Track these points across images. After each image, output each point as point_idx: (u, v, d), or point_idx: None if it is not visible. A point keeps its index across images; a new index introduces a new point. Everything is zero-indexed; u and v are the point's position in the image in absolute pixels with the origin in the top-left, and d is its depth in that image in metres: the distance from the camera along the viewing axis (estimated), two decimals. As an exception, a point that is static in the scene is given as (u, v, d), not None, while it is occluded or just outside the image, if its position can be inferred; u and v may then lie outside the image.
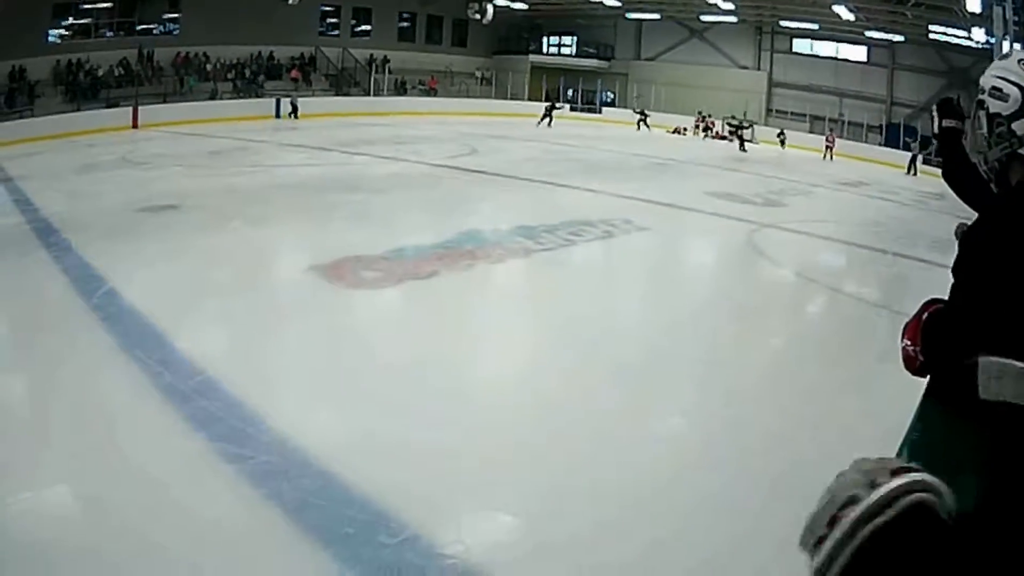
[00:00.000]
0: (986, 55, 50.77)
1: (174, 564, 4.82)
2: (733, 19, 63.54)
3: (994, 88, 3.00)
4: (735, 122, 48.63)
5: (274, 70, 49.62)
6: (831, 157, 48.77)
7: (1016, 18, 40.51)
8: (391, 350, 8.84)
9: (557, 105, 52.21)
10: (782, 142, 51.81)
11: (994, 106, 2.98)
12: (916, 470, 1.40)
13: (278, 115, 39.45)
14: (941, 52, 59.22)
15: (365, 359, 8.57)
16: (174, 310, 9.57)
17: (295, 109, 44.73)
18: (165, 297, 10.01)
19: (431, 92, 56.69)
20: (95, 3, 40.36)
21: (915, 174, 44.84)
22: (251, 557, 4.97)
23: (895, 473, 1.42)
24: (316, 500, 5.62)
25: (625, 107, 63.59)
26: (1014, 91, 2.93)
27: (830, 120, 58.77)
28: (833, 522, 1.45)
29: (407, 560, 5.04)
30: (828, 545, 1.45)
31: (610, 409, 7.46)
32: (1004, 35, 36.01)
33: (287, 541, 5.14)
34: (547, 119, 50.37)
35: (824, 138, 51.52)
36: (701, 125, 58.03)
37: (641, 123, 55.27)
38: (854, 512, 1.40)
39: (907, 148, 50.48)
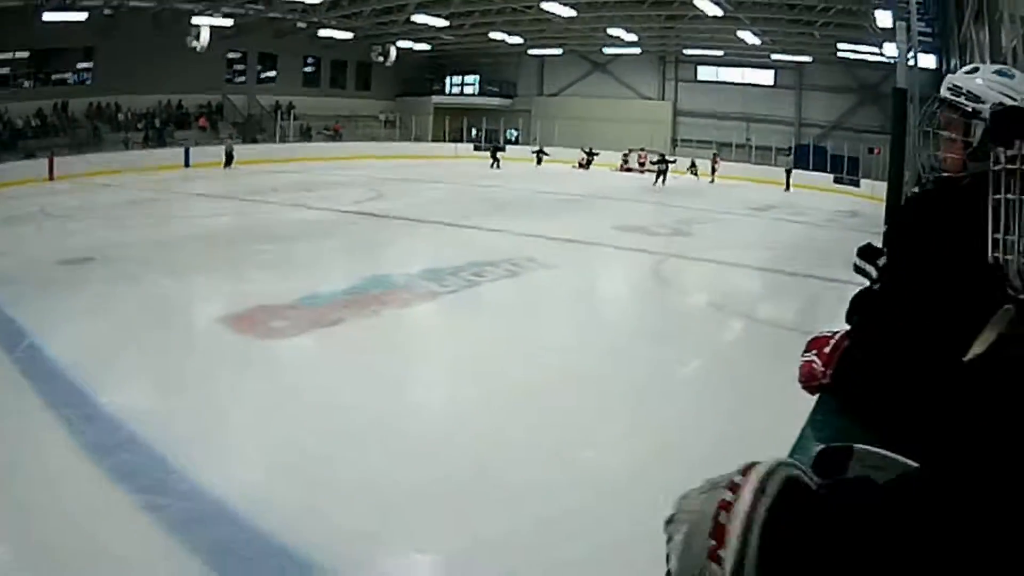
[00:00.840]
0: (894, 70, 51.35)
1: None
2: (636, 50, 63.53)
3: (1002, 103, 2.93)
4: (657, 158, 47.60)
5: (183, 119, 49.36)
6: (713, 180, 49.74)
7: (927, 29, 41.04)
8: (300, 399, 8.87)
9: (499, 146, 53.29)
10: (694, 172, 51.85)
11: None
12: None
13: (187, 164, 39.22)
14: (851, 70, 59.59)
15: (276, 408, 8.59)
16: (94, 363, 9.54)
17: (230, 157, 44.61)
18: (85, 351, 9.99)
19: (336, 136, 56.53)
20: (11, 53, 40.02)
21: (788, 189, 46.34)
22: None
23: (744, 471, 1.51)
24: (235, 547, 5.70)
25: (529, 144, 63.27)
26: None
27: (719, 144, 59.61)
28: (718, 533, 1.51)
29: None
30: (730, 552, 1.40)
31: (531, 444, 7.62)
32: (909, 49, 36.40)
33: None
34: (495, 162, 51.20)
35: (710, 161, 51.92)
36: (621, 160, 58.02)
37: (540, 157, 55.73)
38: (739, 509, 1.46)
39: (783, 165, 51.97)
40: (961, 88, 3.09)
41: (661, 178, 45.39)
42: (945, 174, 3.09)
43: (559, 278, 17.06)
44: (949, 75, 3.25)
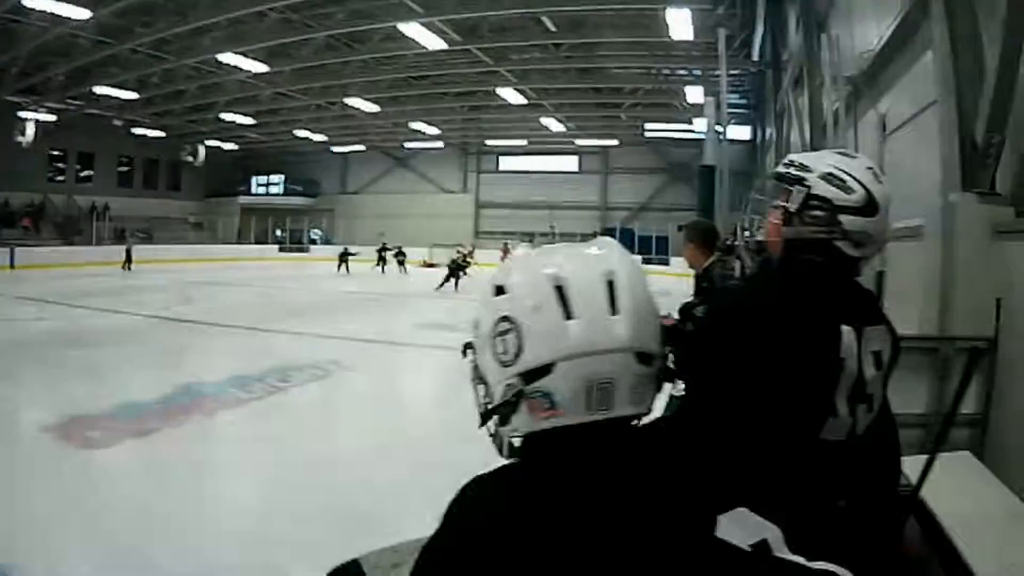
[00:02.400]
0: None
1: None
2: (439, 144, 64.20)
3: (830, 174, 2.95)
4: (458, 256, 40.68)
5: (8, 218, 48.36)
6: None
7: (741, 100, 41.67)
8: (121, 513, 8.91)
9: (351, 251, 51.62)
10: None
11: (822, 189, 2.96)
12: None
13: (12, 265, 38.44)
14: (659, 149, 61.00)
15: (101, 522, 8.61)
16: None
17: (129, 258, 44.38)
18: None
19: (148, 239, 55.78)
20: None
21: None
22: None
23: None
24: None
25: (333, 244, 62.47)
26: (860, 190, 2.91)
27: (522, 234, 59.31)
28: None
29: None
30: None
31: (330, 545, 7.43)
32: (718, 123, 36.80)
33: None
34: (344, 265, 49.81)
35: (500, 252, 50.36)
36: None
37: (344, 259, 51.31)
38: None
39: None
40: (794, 161, 3.13)
41: (453, 280, 38.24)
42: (760, 253, 3.37)
43: (362, 381, 17.43)
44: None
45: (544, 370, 1.78)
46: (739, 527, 1.70)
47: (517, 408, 1.82)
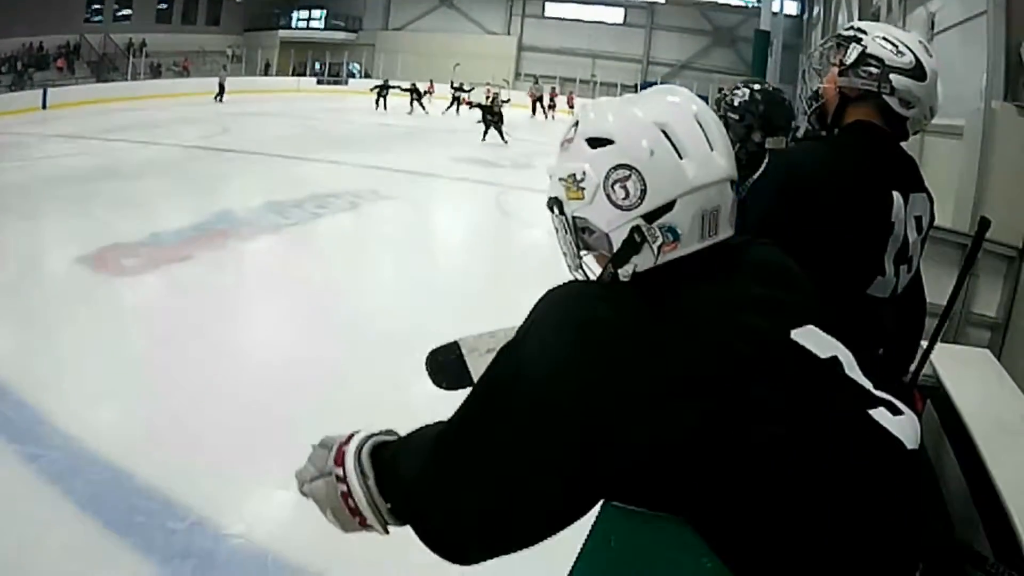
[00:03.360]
0: (755, 13, 51.43)
1: None
2: None
3: (885, 37, 3.13)
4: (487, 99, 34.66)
5: (42, 60, 48.03)
6: (551, 116, 46.54)
7: None
8: (157, 338, 8.92)
9: (391, 85, 46.62)
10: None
11: (876, 49, 3.12)
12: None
13: (44, 106, 38.14)
14: (705, 12, 59.79)
15: (137, 348, 8.59)
16: None
17: (222, 90, 44.53)
18: None
19: (184, 73, 55.35)
20: None
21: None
22: (53, 554, 5.09)
23: (337, 459, 2.01)
24: (109, 493, 5.74)
25: (370, 78, 60.63)
26: (909, 55, 3.09)
27: (563, 79, 58.97)
28: (354, 513, 1.97)
29: (197, 544, 5.26)
30: (372, 520, 1.96)
31: (375, 376, 7.73)
32: None
33: (86, 535, 5.27)
34: (382, 100, 45.06)
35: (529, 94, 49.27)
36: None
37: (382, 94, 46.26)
38: (358, 497, 1.94)
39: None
40: (853, 25, 3.34)
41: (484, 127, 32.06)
42: (818, 101, 3.35)
43: (403, 209, 17.32)
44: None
45: (667, 207, 1.88)
46: (812, 341, 1.87)
47: (640, 247, 1.91)
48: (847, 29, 3.32)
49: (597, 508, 1.91)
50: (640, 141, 1.90)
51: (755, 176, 3.53)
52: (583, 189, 1.97)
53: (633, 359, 1.75)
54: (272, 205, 15.97)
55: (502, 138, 30.55)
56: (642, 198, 1.88)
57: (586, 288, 2.01)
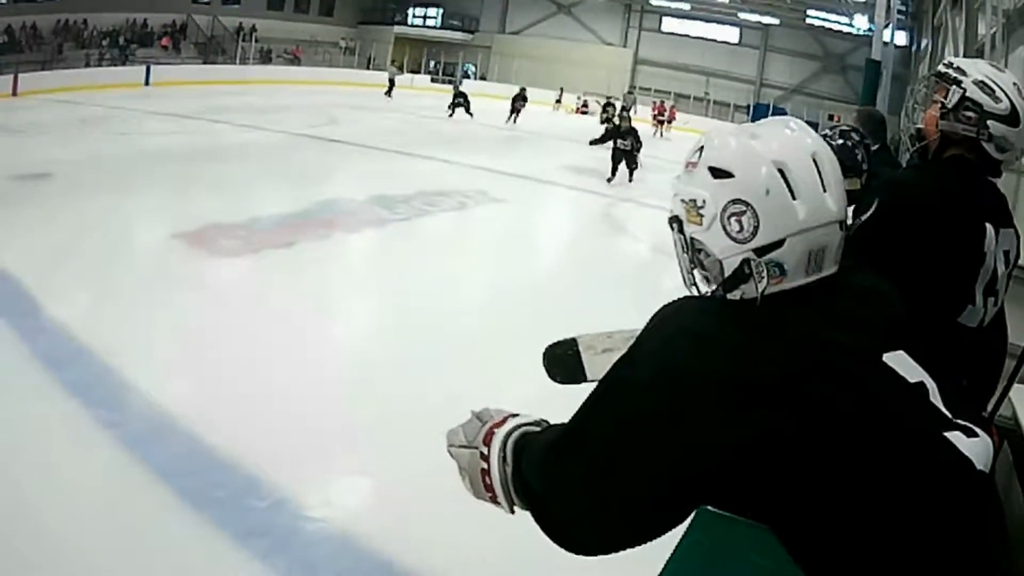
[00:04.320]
0: (866, 42, 51.64)
1: (48, 527, 4.97)
2: None
3: (983, 82, 3.29)
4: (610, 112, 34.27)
5: (146, 38, 48.76)
6: (661, 133, 45.13)
7: (902, 7, 41.21)
8: (250, 318, 9.01)
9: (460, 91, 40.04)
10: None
11: (975, 93, 3.29)
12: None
13: (147, 83, 38.62)
14: (817, 37, 60.16)
15: (228, 326, 8.68)
16: (48, 277, 9.58)
17: (392, 85, 45.26)
18: (39, 264, 9.98)
19: (295, 61, 55.99)
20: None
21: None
22: (126, 522, 5.11)
23: (486, 438, 2.23)
24: (186, 465, 5.82)
25: (485, 80, 62.41)
26: (1006, 101, 3.25)
27: (676, 95, 58.42)
28: (488, 489, 2.20)
29: (277, 523, 5.29)
30: (503, 501, 2.18)
31: (461, 373, 7.67)
32: (887, 24, 36.15)
33: (160, 505, 5.30)
34: (514, 115, 39.04)
35: (653, 108, 47.95)
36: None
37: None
38: (495, 477, 2.18)
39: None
40: (952, 63, 3.46)
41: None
42: (920, 140, 3.54)
43: (511, 212, 17.32)
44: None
45: (777, 244, 2.00)
46: (902, 365, 1.99)
47: (748, 278, 2.03)
48: (947, 66, 3.49)
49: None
50: (757, 179, 2.02)
51: (863, 217, 3.49)
52: (702, 216, 2.11)
53: (728, 364, 1.90)
54: (379, 199, 16.02)
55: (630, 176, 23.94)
56: (754, 234, 2.02)
57: (697, 303, 2.17)
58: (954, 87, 3.35)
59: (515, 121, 38.25)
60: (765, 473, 1.85)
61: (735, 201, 2.02)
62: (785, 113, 53.63)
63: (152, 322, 8.60)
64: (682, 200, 2.16)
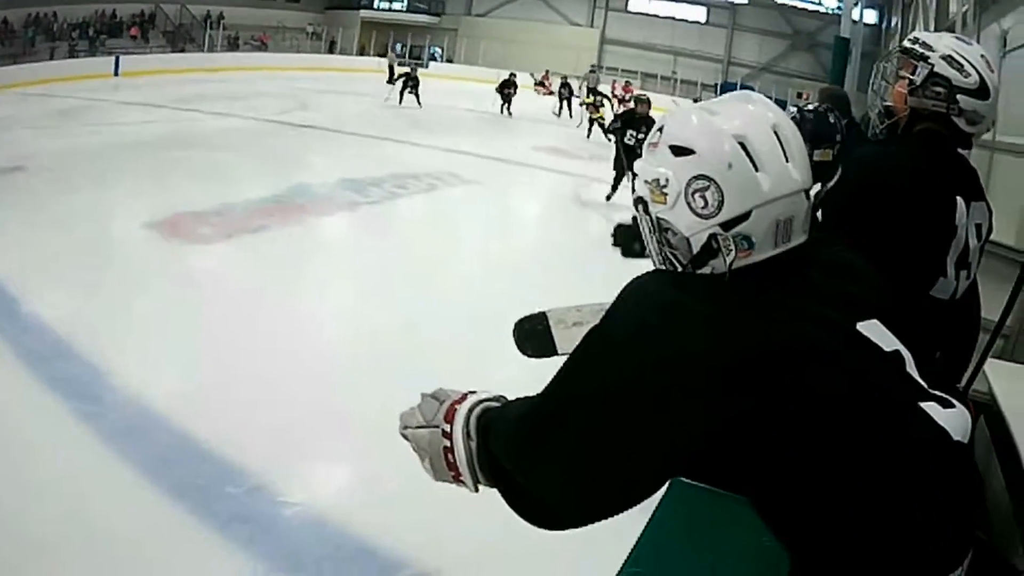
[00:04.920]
0: (835, 20, 51.92)
1: (25, 519, 4.98)
2: None
3: (951, 56, 3.31)
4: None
5: (115, 28, 48.54)
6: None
7: None
8: (226, 306, 9.00)
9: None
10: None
11: (943, 69, 3.31)
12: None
13: (116, 73, 38.44)
14: (786, 15, 60.09)
15: (203, 315, 8.69)
16: (25, 271, 9.49)
17: (392, 72, 44.04)
18: (15, 259, 9.89)
19: (262, 47, 55.74)
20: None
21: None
22: (108, 516, 5.10)
23: (447, 415, 2.22)
24: (167, 455, 5.84)
25: (452, 63, 62.66)
26: (975, 74, 3.28)
27: (644, 75, 58.60)
28: (452, 468, 2.20)
29: (256, 509, 5.32)
30: (467, 478, 2.18)
31: (440, 354, 7.62)
32: (856, 2, 36.29)
33: (143, 498, 5.31)
34: (506, 105, 35.36)
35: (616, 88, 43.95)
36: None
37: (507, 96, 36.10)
38: (460, 455, 2.17)
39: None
40: (918, 39, 3.47)
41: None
42: (890, 117, 3.55)
43: (480, 194, 17.34)
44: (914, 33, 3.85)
45: (743, 217, 2.02)
46: (876, 334, 2.01)
47: (716, 253, 2.06)
48: (912, 41, 3.51)
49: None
50: (719, 154, 2.04)
51: (829, 185, 3.69)
52: (666, 194, 2.14)
53: (704, 337, 1.89)
54: (350, 182, 16.05)
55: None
56: (719, 208, 2.03)
57: (667, 275, 2.21)
58: (921, 63, 3.38)
59: (509, 112, 35.08)
60: (744, 448, 1.87)
61: (698, 177, 2.05)
62: (754, 91, 54.22)
63: (132, 313, 8.65)
64: (646, 181, 2.19)
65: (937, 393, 1.98)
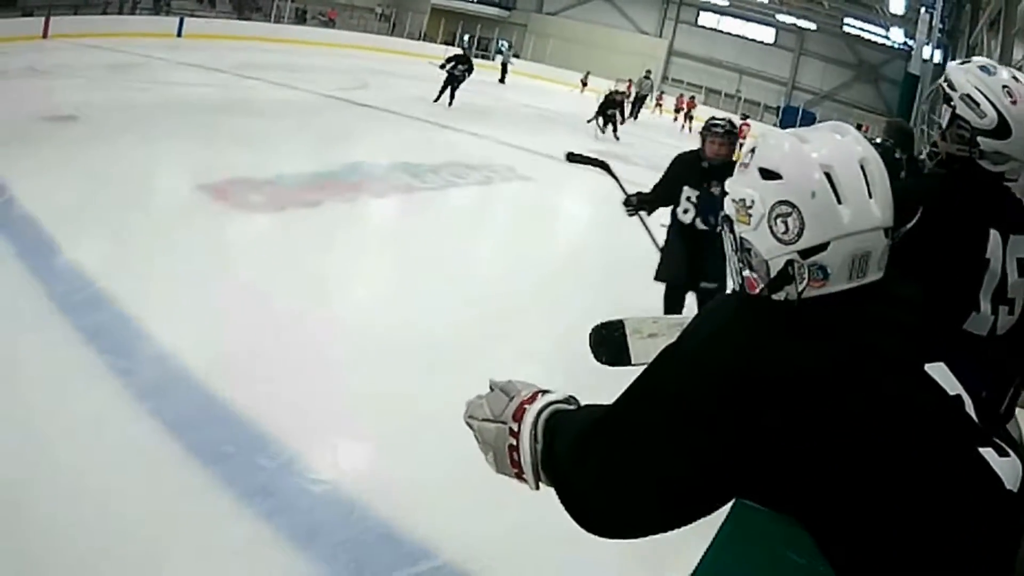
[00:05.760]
0: (901, 55, 52.06)
1: (56, 472, 4.90)
2: None
3: (969, 96, 3.25)
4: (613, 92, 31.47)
5: (184, -12, 48.85)
6: (688, 128, 42.00)
7: (941, 26, 41.40)
8: (272, 276, 8.94)
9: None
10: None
11: (963, 111, 3.27)
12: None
13: (180, 34, 38.48)
14: (852, 45, 60.74)
15: (248, 282, 8.62)
16: (68, 221, 9.43)
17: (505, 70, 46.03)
18: (60, 208, 9.83)
19: (330, 24, 55.95)
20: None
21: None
22: (133, 474, 5.04)
23: (516, 414, 2.22)
24: (197, 418, 5.77)
25: (519, 58, 61.97)
26: (991, 113, 3.20)
27: (708, 90, 59.62)
28: (515, 465, 2.21)
29: (284, 483, 5.23)
30: (530, 478, 2.19)
31: (481, 355, 7.51)
32: (927, 41, 36.29)
33: (168, 459, 5.24)
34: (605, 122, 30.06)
35: (679, 102, 46.69)
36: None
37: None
38: (525, 454, 2.18)
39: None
40: (947, 76, 3.41)
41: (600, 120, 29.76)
42: (935, 157, 3.46)
43: (537, 190, 17.36)
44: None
45: (821, 247, 2.06)
46: (941, 377, 2.00)
47: (791, 280, 2.09)
48: (944, 79, 3.44)
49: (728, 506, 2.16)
50: (805, 182, 2.08)
51: (908, 226, 3.40)
52: (750, 215, 2.18)
53: (767, 368, 1.93)
54: (406, 165, 16.01)
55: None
56: (799, 236, 2.08)
57: (743, 302, 2.26)
58: (946, 106, 3.37)
59: (616, 135, 29.60)
60: (797, 473, 1.89)
61: (782, 202, 2.10)
62: (814, 118, 54.00)
63: (172, 273, 8.53)
64: (733, 200, 2.24)
65: (995, 440, 1.98)
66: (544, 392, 2.27)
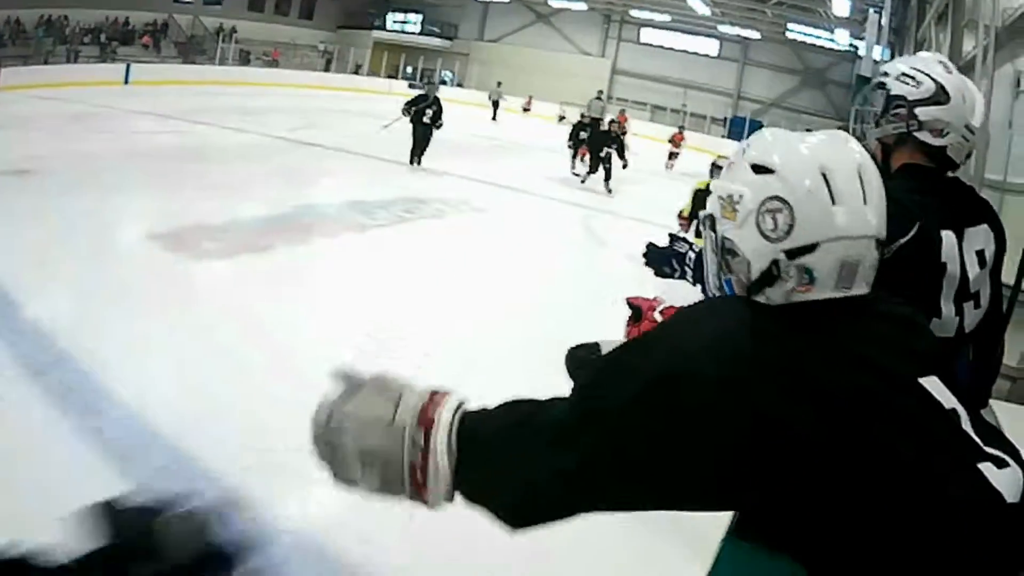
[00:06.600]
0: (848, 58, 52.48)
1: (23, 532, 4.81)
2: (583, 6, 65.20)
3: (904, 74, 3.28)
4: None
5: (128, 36, 48.88)
6: (672, 166, 36.90)
7: (887, 23, 41.70)
8: (229, 325, 8.91)
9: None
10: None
11: (898, 88, 3.28)
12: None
13: (127, 81, 38.51)
14: (798, 51, 61.23)
15: (207, 332, 8.56)
16: (25, 276, 9.41)
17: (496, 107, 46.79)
18: (17, 263, 9.81)
19: (273, 63, 56.03)
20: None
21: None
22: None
23: (424, 422, 1.98)
24: (165, 473, 5.74)
25: (462, 87, 63.34)
26: (928, 82, 3.21)
27: (653, 107, 60.72)
28: (416, 485, 1.96)
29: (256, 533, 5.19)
30: (433, 497, 1.95)
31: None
32: (877, 41, 36.63)
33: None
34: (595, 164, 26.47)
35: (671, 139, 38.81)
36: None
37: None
38: (432, 479, 1.94)
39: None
40: (881, 70, 3.48)
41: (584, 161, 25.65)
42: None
43: (491, 222, 17.41)
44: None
45: (809, 248, 2.00)
46: (936, 391, 1.95)
47: (775, 281, 2.04)
48: (877, 75, 3.50)
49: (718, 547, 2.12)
50: (800, 177, 2.04)
51: (901, 242, 3.25)
52: (737, 211, 2.13)
53: (762, 369, 1.85)
54: (358, 204, 16.06)
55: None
56: (788, 233, 2.02)
57: (720, 303, 2.20)
58: (879, 91, 3.39)
59: (608, 188, 24.48)
60: (788, 497, 1.82)
61: (773, 198, 2.04)
62: (762, 126, 54.44)
63: (132, 326, 8.47)
64: (719, 196, 2.19)
65: (992, 452, 1.92)
66: (437, 391, 2.07)
